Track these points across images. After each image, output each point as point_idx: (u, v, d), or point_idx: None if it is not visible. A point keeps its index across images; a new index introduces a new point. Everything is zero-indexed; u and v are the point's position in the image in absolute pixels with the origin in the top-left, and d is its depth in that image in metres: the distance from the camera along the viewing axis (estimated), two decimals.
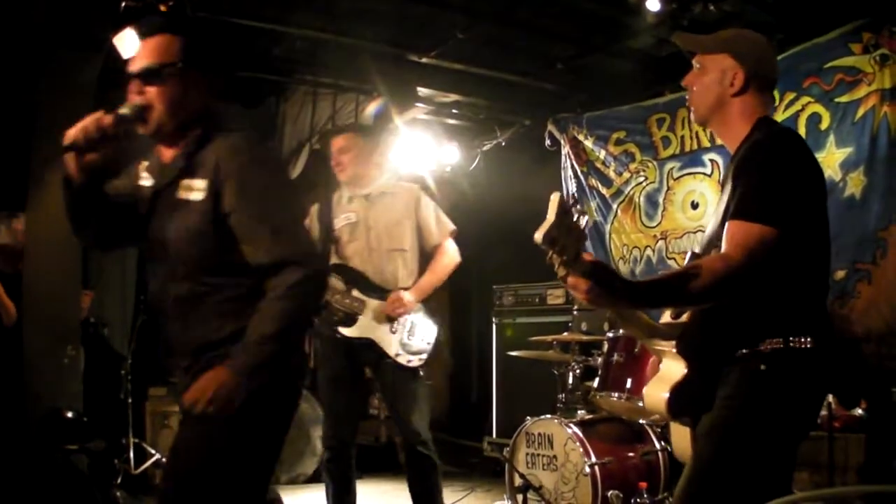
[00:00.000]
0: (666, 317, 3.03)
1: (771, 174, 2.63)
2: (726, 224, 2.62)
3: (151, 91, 2.75)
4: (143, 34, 2.82)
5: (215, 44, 3.00)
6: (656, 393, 2.86)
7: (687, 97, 2.98)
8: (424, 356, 4.92)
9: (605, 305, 2.62)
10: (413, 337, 4.91)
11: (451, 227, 5.17)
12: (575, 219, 2.33)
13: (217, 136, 2.79)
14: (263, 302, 2.67)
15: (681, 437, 3.08)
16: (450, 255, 5.13)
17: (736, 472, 2.64)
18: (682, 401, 2.81)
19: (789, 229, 2.56)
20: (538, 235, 2.32)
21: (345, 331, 4.85)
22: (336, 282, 4.89)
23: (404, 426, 4.88)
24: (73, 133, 2.67)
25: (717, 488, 2.64)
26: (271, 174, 2.83)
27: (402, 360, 4.84)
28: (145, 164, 2.97)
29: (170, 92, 2.76)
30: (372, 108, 8.46)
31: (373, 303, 4.87)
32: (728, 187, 2.73)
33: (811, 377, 2.68)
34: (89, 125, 2.67)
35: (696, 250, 2.93)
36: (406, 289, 4.92)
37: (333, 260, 4.97)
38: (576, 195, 8.32)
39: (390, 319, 4.86)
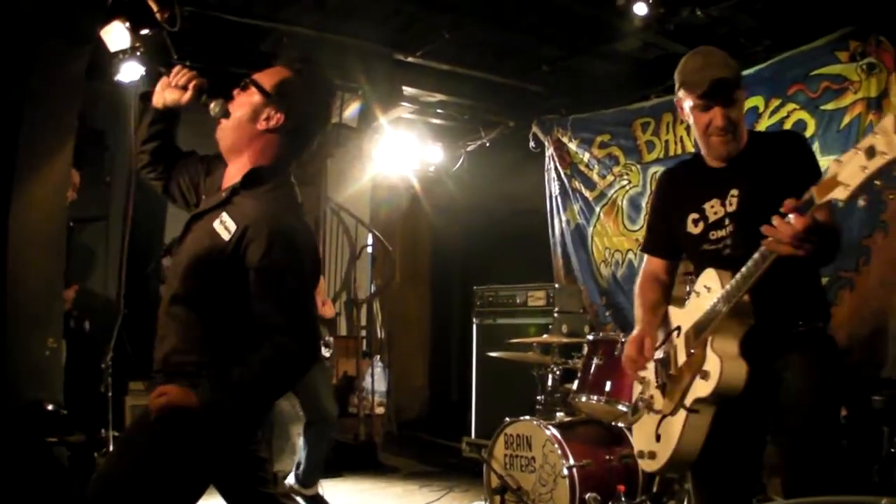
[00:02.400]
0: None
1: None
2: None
3: (240, 100, 2.95)
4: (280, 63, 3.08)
5: (313, 107, 3.06)
6: (739, 369, 3.03)
7: (726, 131, 3.19)
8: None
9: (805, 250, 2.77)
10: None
11: None
12: None
13: (265, 186, 2.91)
14: (254, 355, 2.72)
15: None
16: None
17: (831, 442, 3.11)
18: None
19: None
20: None
21: None
22: None
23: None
24: (174, 69, 3.07)
25: (821, 454, 3.03)
26: (298, 246, 2.85)
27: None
28: (207, 183, 3.12)
29: (245, 109, 2.92)
30: (354, 107, 8.47)
31: None
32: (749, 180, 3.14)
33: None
34: (187, 73, 3.04)
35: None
36: None
37: None
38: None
39: None
